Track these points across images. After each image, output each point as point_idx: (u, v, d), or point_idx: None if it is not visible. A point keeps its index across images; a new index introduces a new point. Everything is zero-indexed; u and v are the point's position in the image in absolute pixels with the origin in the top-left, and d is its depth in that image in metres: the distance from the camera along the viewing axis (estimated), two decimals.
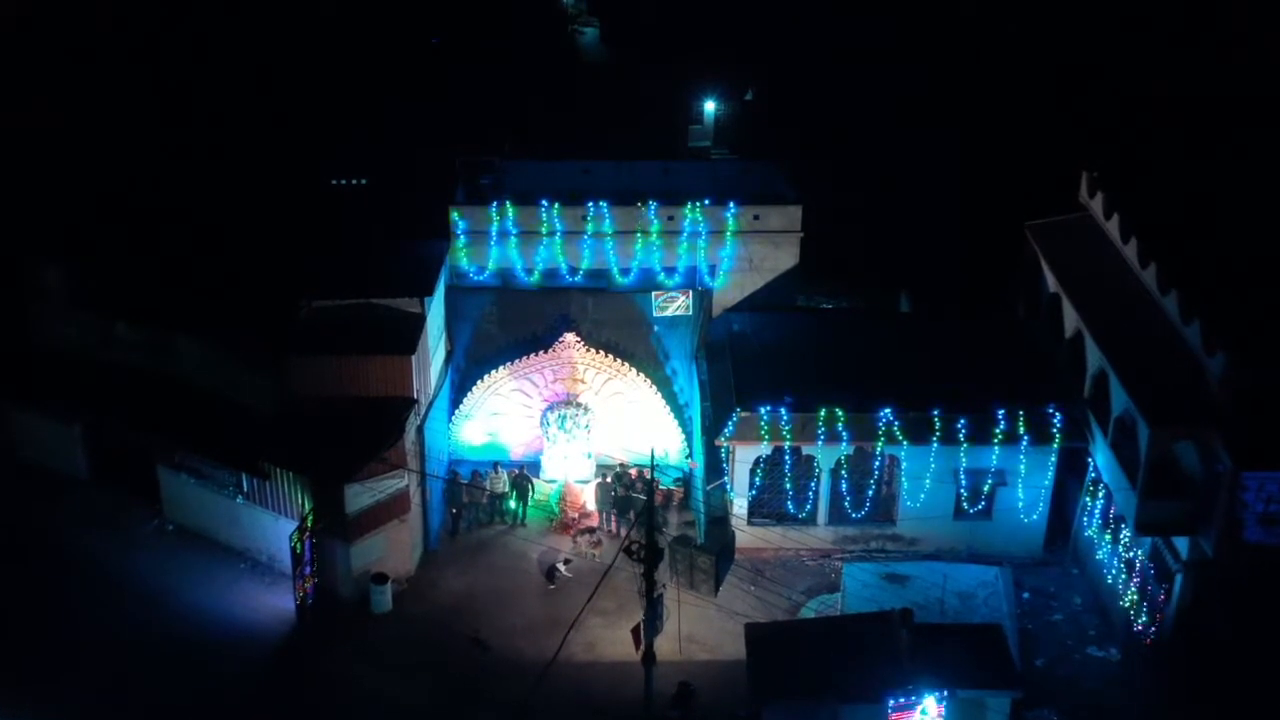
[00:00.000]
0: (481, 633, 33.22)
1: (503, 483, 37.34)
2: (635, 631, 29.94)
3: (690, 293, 38.55)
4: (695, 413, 38.01)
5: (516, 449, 39.33)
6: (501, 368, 38.18)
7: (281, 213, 40.53)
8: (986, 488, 35.04)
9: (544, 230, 38.53)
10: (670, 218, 38.58)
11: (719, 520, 35.36)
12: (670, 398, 38.58)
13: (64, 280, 38.22)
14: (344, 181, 43.80)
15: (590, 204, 38.35)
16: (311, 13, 52.94)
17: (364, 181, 43.85)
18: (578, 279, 38.86)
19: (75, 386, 37.52)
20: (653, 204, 38.39)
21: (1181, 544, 31.77)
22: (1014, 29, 50.84)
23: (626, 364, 38.14)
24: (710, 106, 54.63)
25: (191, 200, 41.01)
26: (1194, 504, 30.99)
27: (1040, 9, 51.18)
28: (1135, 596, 32.97)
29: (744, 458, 35.23)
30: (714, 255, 38.90)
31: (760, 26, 53.88)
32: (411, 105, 47.99)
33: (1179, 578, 31.61)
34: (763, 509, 36.24)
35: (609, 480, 37.63)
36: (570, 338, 37.84)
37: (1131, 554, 33.30)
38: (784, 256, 39.16)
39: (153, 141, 43.88)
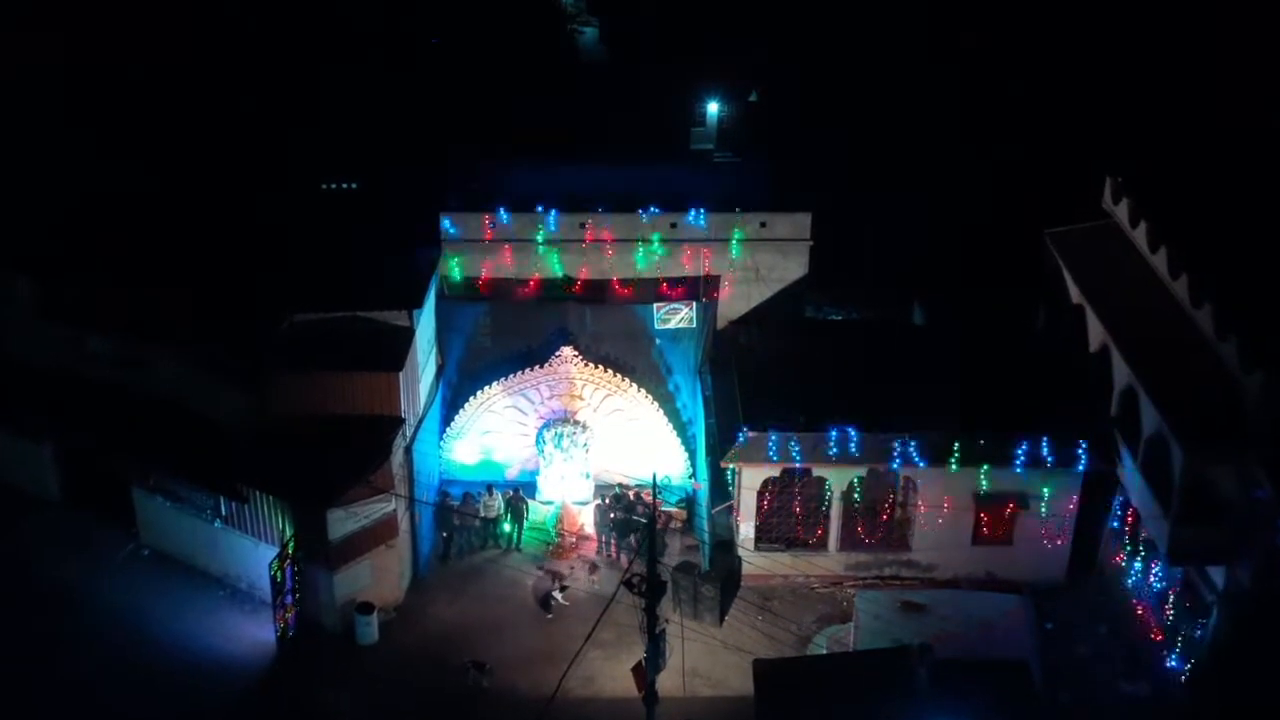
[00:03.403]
0: (485, 664, 31.66)
1: (496, 507, 35.64)
2: (637, 671, 28.31)
3: (694, 304, 36.90)
4: (699, 431, 36.38)
5: (511, 469, 37.64)
6: (495, 383, 36.51)
7: (265, 219, 38.85)
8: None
9: (540, 238, 36.83)
10: (673, 225, 37.00)
11: (724, 545, 33.69)
12: (673, 415, 36.92)
13: (34, 290, 36.44)
14: (333, 185, 42.18)
15: (589, 210, 36.68)
16: (305, 10, 51.43)
17: (354, 186, 42.21)
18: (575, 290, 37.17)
19: (46, 403, 35.84)
20: (654, 210, 36.74)
21: (1217, 573, 30.10)
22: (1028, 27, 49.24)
23: (627, 379, 36.46)
24: (713, 108, 53.26)
25: (169, 206, 39.29)
26: (1231, 531, 29.34)
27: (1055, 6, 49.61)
28: (1167, 628, 31.29)
29: (751, 480, 33.53)
30: (719, 264, 37.19)
31: (765, 24, 52.36)
32: (407, 106, 46.44)
33: (1214, 609, 29.96)
34: (770, 534, 34.56)
35: (607, 502, 35.91)
36: (568, 352, 36.16)
37: (1162, 583, 31.63)
38: (792, 265, 37.56)
39: (129, 144, 42.20)
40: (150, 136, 42.94)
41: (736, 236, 36.94)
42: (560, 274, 37.27)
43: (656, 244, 36.89)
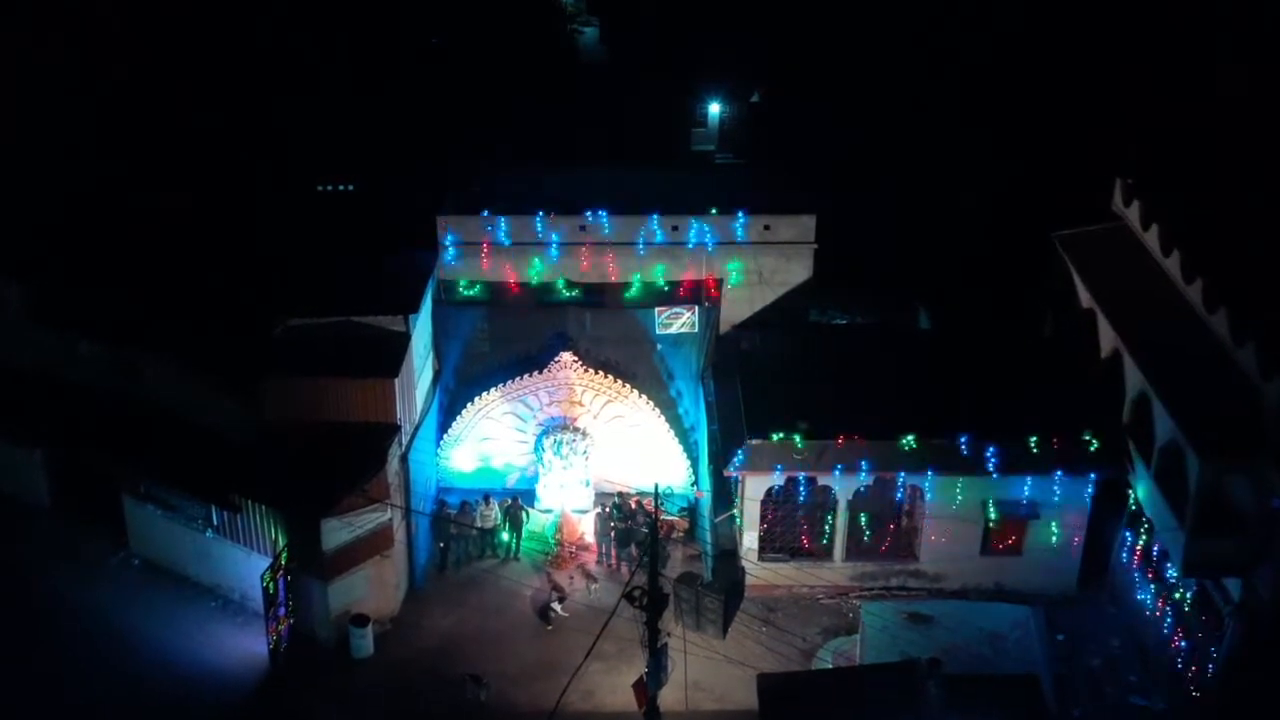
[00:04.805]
0: (483, 678, 30.92)
1: (493, 517, 34.94)
2: (638, 686, 27.63)
3: (696, 308, 36.20)
4: (701, 437, 35.69)
5: (510, 476, 36.96)
6: (493, 389, 35.81)
7: (259, 221, 38.26)
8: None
9: (539, 241, 36.13)
10: (674, 228, 36.27)
11: (727, 554, 32.97)
12: (674, 421, 36.23)
13: (24, 294, 35.90)
14: (330, 188, 41.55)
15: (588, 213, 35.99)
16: (303, 11, 50.89)
17: (351, 188, 41.58)
18: (575, 294, 36.46)
19: (36, 409, 35.20)
20: (655, 213, 36.02)
21: (1233, 584, 29.33)
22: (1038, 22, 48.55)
23: (627, 385, 35.77)
24: (715, 108, 52.78)
25: (162, 208, 38.68)
26: (1247, 542, 28.52)
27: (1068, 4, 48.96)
28: (1181, 641, 30.57)
29: (754, 489, 32.82)
30: (721, 268, 36.52)
31: (768, 22, 51.78)
32: (406, 107, 45.86)
33: (1230, 622, 29.20)
34: (774, 543, 33.86)
35: (608, 510, 35.19)
36: (567, 357, 35.47)
37: (1176, 594, 30.89)
38: (796, 269, 36.82)
39: (123, 146, 41.59)
40: (145, 138, 42.42)
41: (739, 240, 36.27)
42: (560, 280, 36.62)
43: (658, 245, 36.18)
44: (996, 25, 49.66)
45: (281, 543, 31.29)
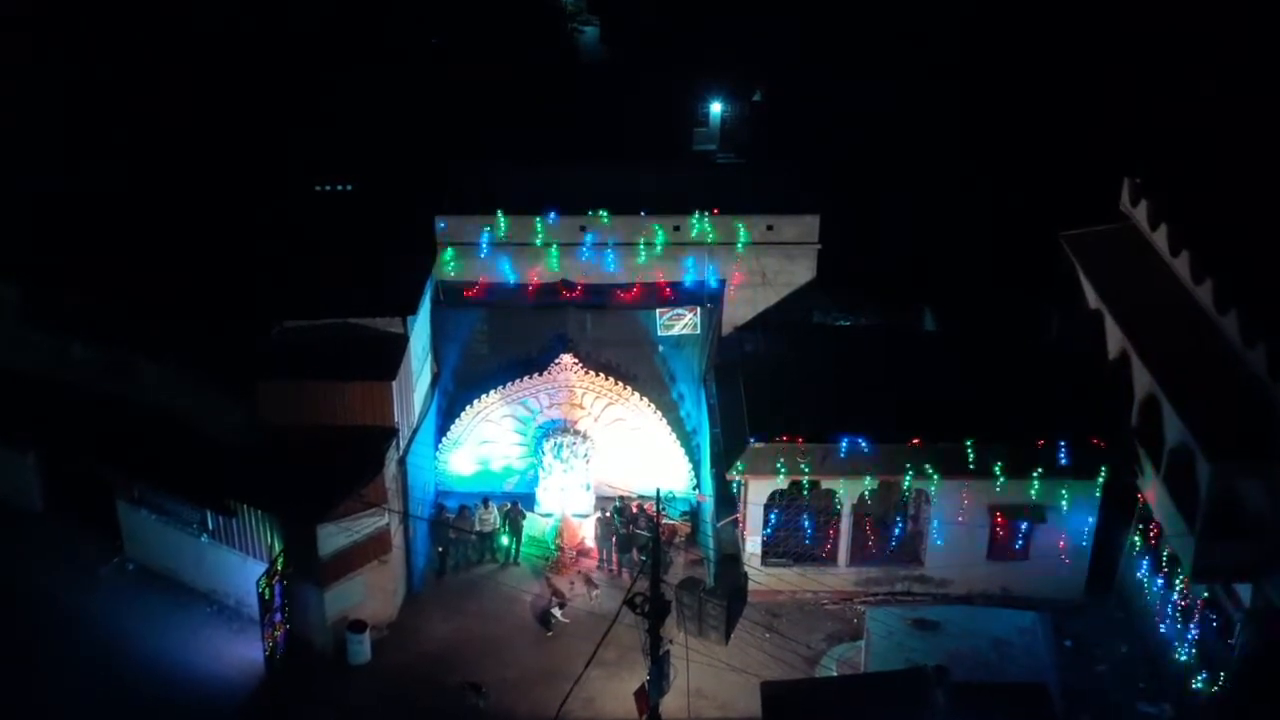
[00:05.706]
0: (482, 685, 30.54)
1: (492, 521, 34.53)
2: (640, 694, 27.29)
3: (698, 309, 35.77)
4: (704, 440, 35.30)
5: (509, 480, 36.54)
6: (493, 392, 35.43)
7: (257, 222, 37.88)
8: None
9: (539, 241, 35.80)
10: (676, 228, 35.94)
11: (730, 559, 32.55)
12: (676, 424, 35.82)
13: (18, 295, 35.49)
14: (328, 188, 41.20)
15: (589, 213, 35.66)
16: (301, 12, 50.66)
17: (349, 188, 41.25)
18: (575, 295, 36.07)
19: (30, 411, 34.79)
20: (656, 213, 35.61)
21: (1243, 589, 29.01)
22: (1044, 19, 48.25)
23: (628, 387, 35.39)
24: (716, 108, 52.52)
25: (159, 210, 38.31)
26: (1258, 546, 28.23)
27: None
28: (1191, 647, 30.15)
29: (757, 493, 32.43)
30: (723, 269, 36.16)
31: (768, 21, 51.53)
32: (405, 106, 45.52)
33: (1240, 627, 28.89)
34: (778, 548, 33.47)
35: (609, 515, 34.78)
36: (567, 359, 35.09)
37: (1186, 600, 30.49)
38: (799, 270, 36.53)
39: (120, 147, 41.27)
40: (142, 139, 42.14)
41: (742, 240, 35.90)
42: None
43: (660, 245, 35.74)
44: (1000, 24, 49.38)
45: (277, 548, 30.92)
